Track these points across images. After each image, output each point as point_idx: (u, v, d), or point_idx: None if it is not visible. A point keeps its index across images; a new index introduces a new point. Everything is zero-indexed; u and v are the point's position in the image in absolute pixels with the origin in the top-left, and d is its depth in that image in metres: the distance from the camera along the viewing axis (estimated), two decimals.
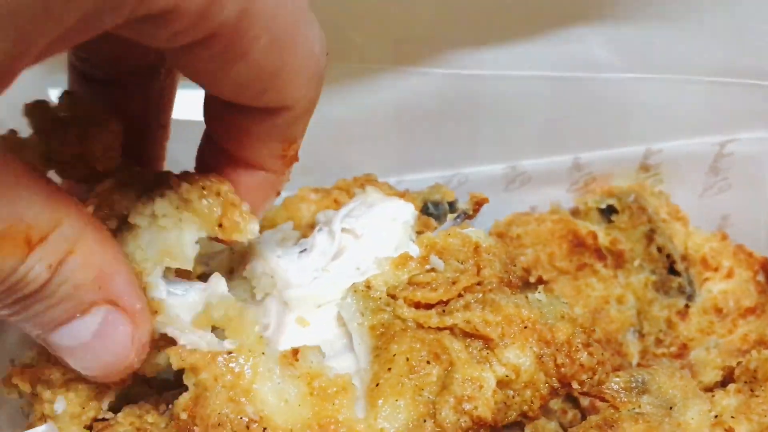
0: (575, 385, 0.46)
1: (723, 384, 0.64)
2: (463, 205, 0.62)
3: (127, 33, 0.35)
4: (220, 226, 0.46)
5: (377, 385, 0.45)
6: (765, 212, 0.79)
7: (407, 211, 0.56)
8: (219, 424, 0.43)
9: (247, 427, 0.42)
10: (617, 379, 0.53)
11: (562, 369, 0.46)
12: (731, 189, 0.78)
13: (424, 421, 0.43)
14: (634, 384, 0.53)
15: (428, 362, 0.45)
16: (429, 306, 0.48)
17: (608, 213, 0.77)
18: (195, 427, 0.43)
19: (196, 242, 0.46)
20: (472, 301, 0.47)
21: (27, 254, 0.36)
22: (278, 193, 0.50)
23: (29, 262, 0.37)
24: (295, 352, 0.46)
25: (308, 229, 0.68)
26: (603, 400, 0.52)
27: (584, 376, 0.46)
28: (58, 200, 0.38)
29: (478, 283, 0.49)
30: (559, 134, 0.76)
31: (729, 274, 0.75)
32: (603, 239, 0.76)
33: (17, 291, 0.37)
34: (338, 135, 0.78)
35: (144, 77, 0.51)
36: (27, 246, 0.36)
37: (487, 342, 0.46)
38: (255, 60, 0.39)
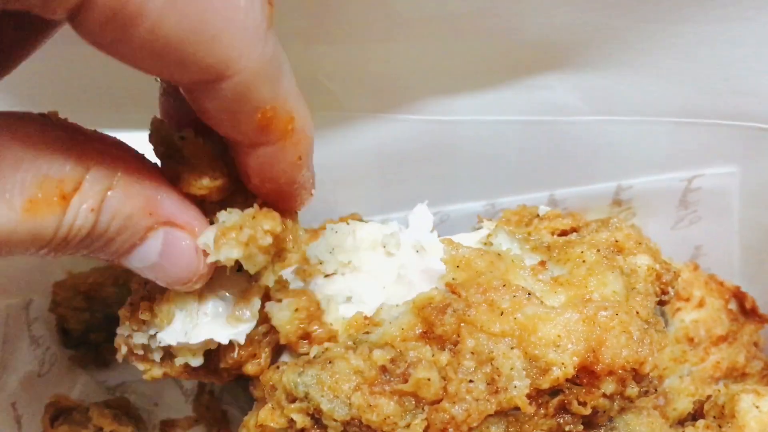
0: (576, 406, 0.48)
1: (694, 417, 0.66)
2: None
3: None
4: None
5: None
6: (735, 242, 0.82)
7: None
8: None
9: None
10: None
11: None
12: (701, 221, 0.81)
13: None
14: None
15: None
16: None
17: None
18: None
19: None
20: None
21: (66, 207, 0.38)
22: (298, 160, 0.45)
23: (70, 213, 0.38)
24: None
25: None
26: None
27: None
28: (79, 144, 0.39)
29: None
30: (534, 173, 0.79)
31: (701, 304, 0.78)
32: None
33: (72, 240, 0.39)
34: (323, 178, 0.80)
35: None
36: (63, 200, 0.37)
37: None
38: (152, 22, 0.34)
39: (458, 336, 0.46)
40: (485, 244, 0.55)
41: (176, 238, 0.43)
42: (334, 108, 0.75)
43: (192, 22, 0.35)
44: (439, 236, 0.69)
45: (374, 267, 0.55)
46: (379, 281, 0.54)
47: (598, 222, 0.59)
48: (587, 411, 0.48)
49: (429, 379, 0.44)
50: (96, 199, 0.39)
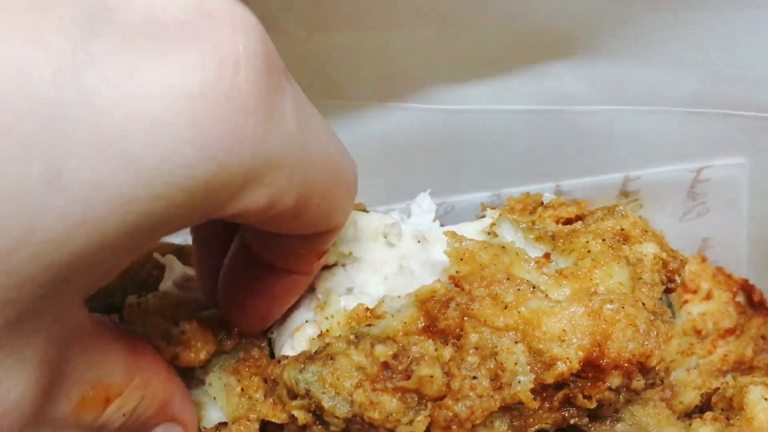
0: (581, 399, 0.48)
1: (701, 409, 0.66)
2: None
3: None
4: None
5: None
6: (743, 234, 0.82)
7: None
8: None
9: None
10: None
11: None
12: (709, 213, 0.80)
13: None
14: None
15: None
16: None
17: None
18: None
19: None
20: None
21: (106, 408, 0.40)
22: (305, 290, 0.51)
23: (106, 414, 0.41)
24: None
25: None
26: (576, 428, 0.54)
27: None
28: (132, 354, 0.43)
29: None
30: (540, 163, 0.78)
31: (708, 296, 0.77)
32: None
33: (91, 429, 0.41)
34: None
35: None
36: (105, 403, 0.40)
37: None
38: (311, 215, 0.40)
39: (461, 330, 0.45)
40: (488, 233, 0.55)
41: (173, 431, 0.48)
42: (339, 96, 0.74)
43: (328, 209, 0.42)
44: (443, 226, 0.69)
45: (375, 258, 0.54)
46: (380, 272, 0.54)
47: (604, 210, 0.58)
48: (592, 404, 0.47)
49: (432, 376, 0.43)
50: (131, 407, 0.42)
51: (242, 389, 0.51)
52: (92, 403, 0.39)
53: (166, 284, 0.57)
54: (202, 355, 0.49)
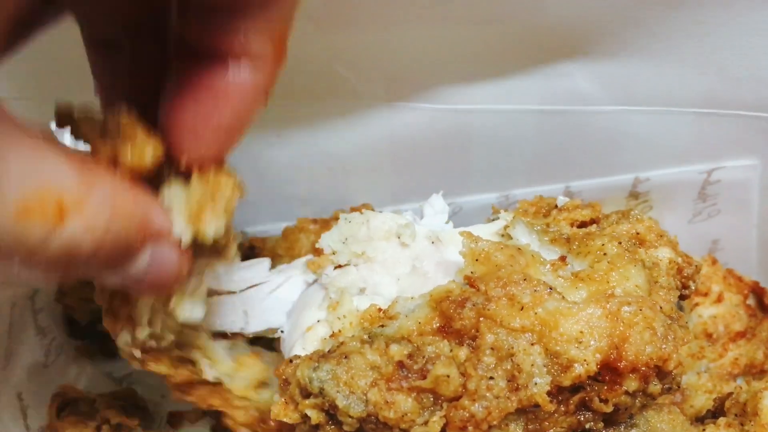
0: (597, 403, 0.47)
1: (714, 413, 0.65)
2: None
3: None
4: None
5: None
6: (754, 236, 0.81)
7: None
8: None
9: None
10: None
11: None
12: (720, 214, 0.80)
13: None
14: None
15: None
16: None
17: None
18: None
19: None
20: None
21: (62, 223, 0.35)
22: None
23: (67, 229, 0.36)
24: None
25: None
26: None
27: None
28: (81, 162, 0.37)
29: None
30: (549, 164, 0.77)
31: (719, 299, 0.76)
32: None
33: (59, 257, 0.37)
34: (334, 168, 0.80)
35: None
36: (58, 214, 0.35)
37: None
38: None
39: (477, 331, 0.44)
40: (503, 236, 0.54)
41: (162, 250, 0.43)
42: (348, 95, 0.73)
43: None
44: (454, 228, 0.68)
45: (388, 258, 0.53)
46: (393, 272, 0.53)
47: (618, 213, 0.58)
48: (609, 408, 0.46)
49: (448, 376, 0.43)
50: (99, 223, 0.37)
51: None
52: (39, 211, 0.34)
53: None
54: (148, 157, 0.43)
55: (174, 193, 0.45)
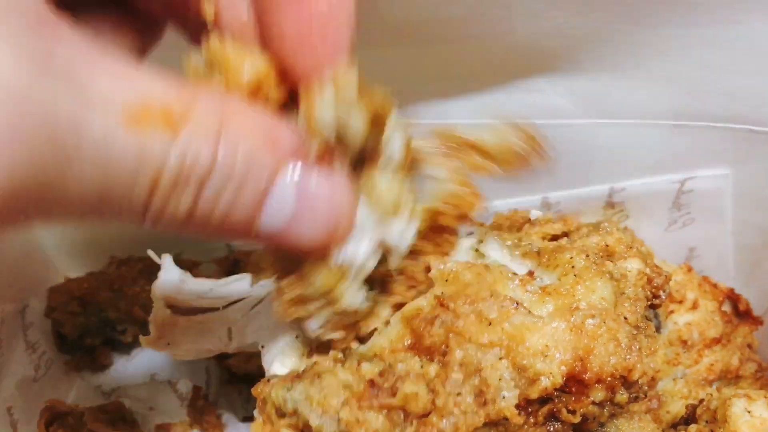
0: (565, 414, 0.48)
1: (687, 421, 0.67)
2: None
3: None
4: None
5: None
6: (729, 243, 0.83)
7: None
8: None
9: None
10: None
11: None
12: (695, 223, 0.81)
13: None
14: None
15: None
16: None
17: None
18: None
19: None
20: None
21: (176, 133, 0.31)
22: None
23: (182, 140, 0.31)
24: None
25: None
26: None
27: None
28: (180, 81, 0.33)
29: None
30: (527, 176, 0.79)
31: (694, 306, 0.77)
32: None
33: (189, 177, 0.32)
34: None
35: None
36: (169, 124, 0.31)
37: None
38: None
39: (447, 347, 0.46)
40: (476, 250, 0.55)
41: (307, 174, 0.36)
42: None
43: None
44: None
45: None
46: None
47: (590, 226, 0.59)
48: (577, 419, 0.48)
49: (417, 393, 0.44)
50: (213, 130, 0.32)
51: None
52: (147, 119, 0.30)
53: (162, 285, 0.57)
54: (246, 74, 0.37)
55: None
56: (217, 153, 0.32)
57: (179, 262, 0.83)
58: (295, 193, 0.36)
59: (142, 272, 0.83)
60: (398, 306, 0.49)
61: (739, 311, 0.80)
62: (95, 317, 0.85)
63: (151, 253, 0.69)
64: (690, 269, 0.80)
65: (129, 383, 0.86)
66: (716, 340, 0.76)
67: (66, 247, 0.86)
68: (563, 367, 0.45)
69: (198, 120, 0.32)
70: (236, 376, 0.84)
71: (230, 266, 0.82)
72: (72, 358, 0.87)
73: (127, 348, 0.89)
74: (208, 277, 0.80)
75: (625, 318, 0.49)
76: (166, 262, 0.60)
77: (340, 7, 0.38)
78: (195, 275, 0.79)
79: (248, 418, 0.82)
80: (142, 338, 0.56)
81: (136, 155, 0.30)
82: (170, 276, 0.59)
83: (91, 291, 0.84)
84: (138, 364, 0.88)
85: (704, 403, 0.62)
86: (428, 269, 0.49)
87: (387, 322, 0.48)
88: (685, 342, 0.76)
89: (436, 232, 0.51)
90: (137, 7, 0.42)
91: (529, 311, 0.47)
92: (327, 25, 0.38)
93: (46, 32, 0.29)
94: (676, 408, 0.72)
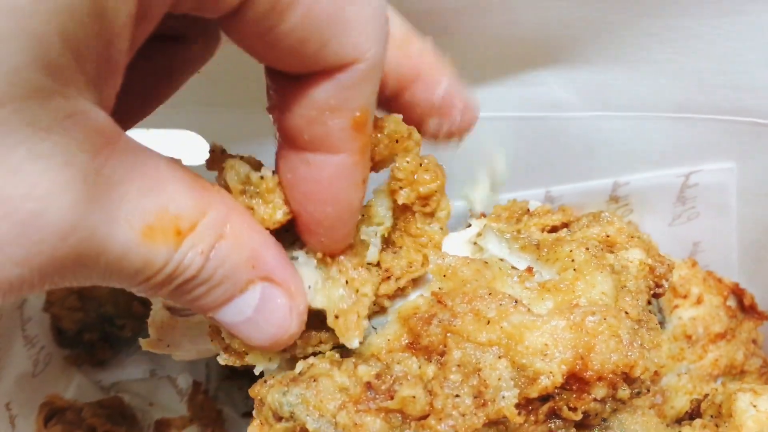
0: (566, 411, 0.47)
1: (691, 416, 0.66)
2: None
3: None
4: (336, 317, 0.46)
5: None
6: (733, 238, 0.82)
7: None
8: None
9: None
10: None
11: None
12: (699, 217, 0.80)
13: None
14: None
15: None
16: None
17: None
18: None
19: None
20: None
21: (179, 244, 0.37)
22: (362, 184, 0.44)
23: (182, 250, 0.37)
24: None
25: None
26: None
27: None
28: (200, 189, 0.39)
29: None
30: (529, 170, 0.78)
31: (699, 301, 0.77)
32: None
33: (175, 279, 0.38)
34: None
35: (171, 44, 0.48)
36: (177, 236, 0.37)
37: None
38: (306, 7, 0.35)
39: (445, 346, 0.45)
40: (475, 243, 0.54)
41: (273, 294, 0.43)
42: None
43: (332, 7, 0.36)
44: None
45: None
46: None
47: (589, 216, 0.58)
48: (578, 416, 0.47)
49: (414, 397, 0.43)
50: (208, 244, 0.39)
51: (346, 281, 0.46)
52: (161, 232, 0.36)
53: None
54: (279, 215, 0.44)
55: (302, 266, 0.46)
56: (205, 265, 0.39)
57: None
58: (256, 304, 0.42)
59: None
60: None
61: (743, 306, 0.79)
62: (94, 312, 0.85)
63: None
64: (695, 264, 0.79)
65: (128, 378, 0.86)
66: (721, 336, 0.76)
67: None
68: (563, 366, 0.44)
69: (200, 232, 0.38)
70: (236, 372, 0.84)
71: None
72: (71, 353, 0.87)
73: (126, 343, 0.88)
74: None
75: (627, 312, 0.48)
76: None
77: (345, 208, 0.44)
78: None
79: (248, 414, 0.82)
80: (141, 341, 0.55)
81: (143, 261, 0.36)
82: None
83: (90, 286, 0.83)
84: (137, 359, 0.88)
85: (709, 397, 0.61)
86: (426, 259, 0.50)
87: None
88: (689, 337, 0.75)
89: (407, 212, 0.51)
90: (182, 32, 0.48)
91: (528, 309, 0.46)
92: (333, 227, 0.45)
93: (100, 145, 0.33)
94: (681, 403, 0.72)
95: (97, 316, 0.85)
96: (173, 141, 0.77)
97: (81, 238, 0.33)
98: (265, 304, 0.43)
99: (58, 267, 0.33)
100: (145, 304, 0.82)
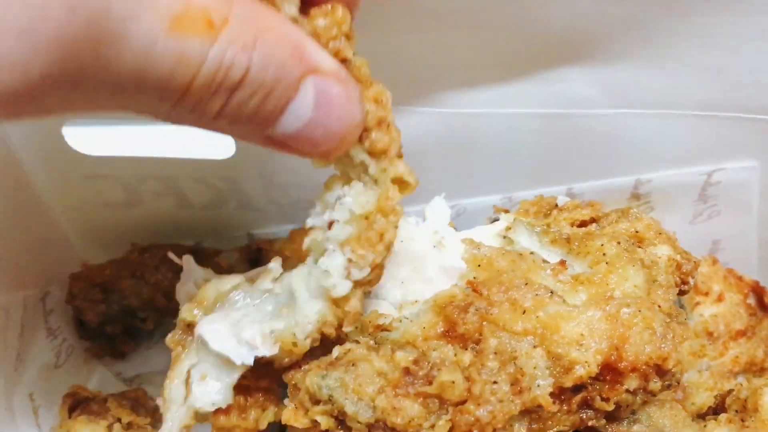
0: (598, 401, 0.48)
1: (715, 411, 0.66)
2: None
3: None
4: None
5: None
6: (754, 236, 0.82)
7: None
8: None
9: None
10: None
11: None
12: (720, 215, 0.81)
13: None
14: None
15: None
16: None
17: None
18: None
19: None
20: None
21: (214, 38, 0.34)
22: None
23: (220, 45, 0.34)
24: None
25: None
26: (594, 430, 0.54)
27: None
28: None
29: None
30: (551, 167, 0.78)
31: (720, 298, 0.77)
32: None
33: (221, 84, 0.35)
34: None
35: None
36: (210, 28, 0.34)
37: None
38: None
39: (480, 335, 0.46)
40: (504, 237, 0.55)
41: (326, 85, 0.39)
42: None
43: None
44: (456, 229, 0.69)
45: (391, 262, 0.54)
46: (396, 276, 0.54)
47: (618, 212, 0.59)
48: (610, 407, 0.48)
49: (453, 382, 0.44)
50: (248, 39, 0.35)
51: None
52: (190, 22, 0.32)
53: (186, 286, 0.57)
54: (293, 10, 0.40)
55: None
56: (252, 62, 0.35)
57: (200, 251, 0.83)
58: (314, 101, 0.39)
59: (165, 259, 0.83)
60: None
61: (764, 304, 0.79)
62: (116, 305, 0.85)
63: (171, 255, 0.69)
64: (715, 261, 0.79)
65: (150, 370, 0.87)
66: (741, 333, 0.76)
67: (87, 234, 0.86)
68: (599, 356, 0.45)
69: (235, 26, 0.34)
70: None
71: (252, 254, 0.81)
72: (93, 345, 0.87)
73: (148, 335, 0.89)
74: (229, 265, 0.80)
75: (659, 306, 0.48)
76: (188, 263, 0.59)
77: None
78: (216, 264, 0.79)
79: None
80: (167, 340, 0.55)
81: (176, 55, 0.33)
82: (193, 276, 0.58)
83: (113, 278, 0.84)
84: (159, 351, 0.88)
85: (734, 392, 0.62)
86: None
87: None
88: (711, 334, 0.75)
89: None
90: None
91: (564, 300, 0.46)
92: None
93: None
94: (701, 399, 0.72)
95: (120, 308, 0.85)
96: None
97: (94, 12, 0.30)
98: (323, 98, 0.39)
99: (68, 50, 0.29)
100: (169, 296, 0.82)
